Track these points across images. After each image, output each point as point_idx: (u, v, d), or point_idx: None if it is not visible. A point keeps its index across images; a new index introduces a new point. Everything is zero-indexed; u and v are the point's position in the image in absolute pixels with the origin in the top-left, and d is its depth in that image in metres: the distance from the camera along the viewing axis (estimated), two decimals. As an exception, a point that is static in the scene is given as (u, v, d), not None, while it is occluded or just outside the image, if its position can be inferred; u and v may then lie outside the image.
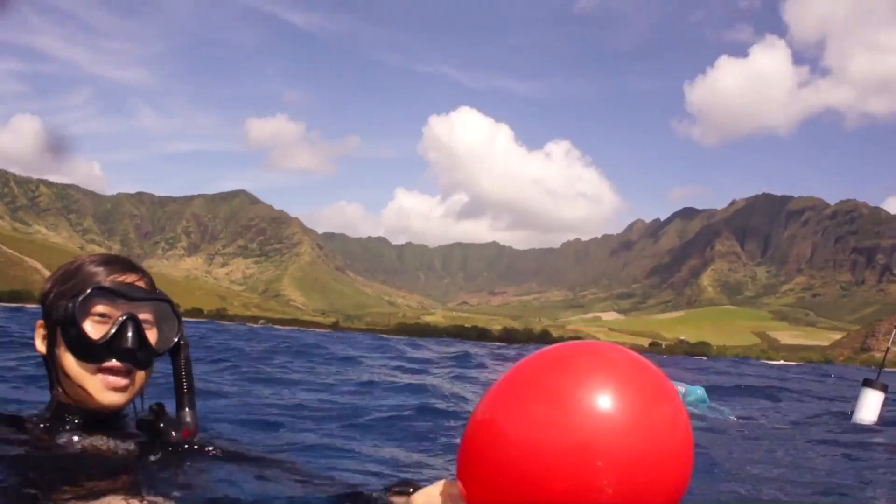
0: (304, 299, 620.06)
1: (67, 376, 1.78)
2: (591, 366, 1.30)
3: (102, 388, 1.76)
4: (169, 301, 1.93)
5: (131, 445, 1.78)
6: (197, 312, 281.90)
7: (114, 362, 1.76)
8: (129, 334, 1.76)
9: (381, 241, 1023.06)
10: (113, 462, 1.72)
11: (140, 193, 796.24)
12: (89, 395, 1.76)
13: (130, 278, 1.88)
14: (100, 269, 1.85)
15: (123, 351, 1.76)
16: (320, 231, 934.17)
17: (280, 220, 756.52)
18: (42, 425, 1.78)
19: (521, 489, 1.26)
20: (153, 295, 1.88)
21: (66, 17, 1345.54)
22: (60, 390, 1.81)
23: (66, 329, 1.77)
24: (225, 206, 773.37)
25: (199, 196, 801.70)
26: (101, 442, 1.77)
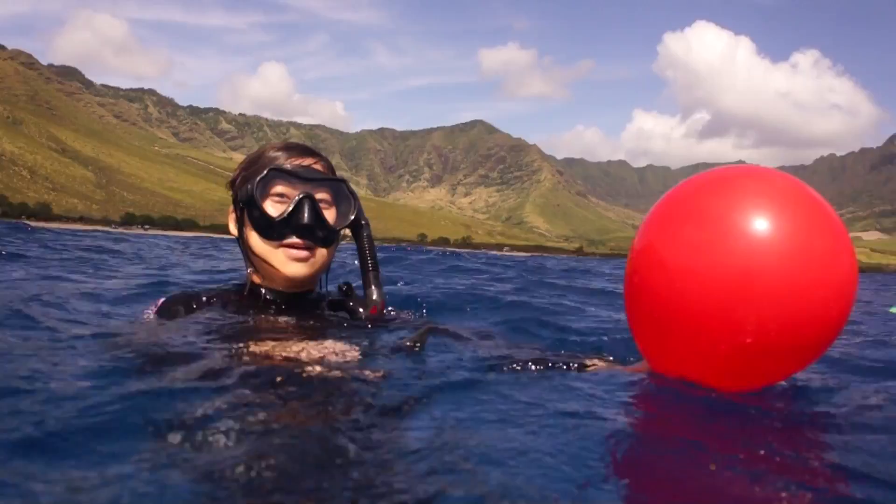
0: (547, 225, 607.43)
1: (254, 254, 2.00)
2: (748, 188, 1.31)
3: (285, 259, 1.96)
4: (344, 181, 2.07)
5: (322, 322, 1.94)
6: (443, 241, 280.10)
7: (294, 238, 1.95)
8: (306, 211, 1.93)
9: (622, 164, 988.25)
10: (307, 330, 1.85)
11: (382, 129, 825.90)
12: (274, 268, 1.97)
13: (308, 161, 2.06)
14: (279, 154, 2.05)
15: (301, 227, 1.94)
16: (559, 157, 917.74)
17: (518, 147, 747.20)
18: (239, 300, 2.02)
19: (679, 317, 1.32)
20: (328, 176, 2.04)
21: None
22: (251, 270, 2.05)
23: (250, 209, 1.99)
24: (464, 137, 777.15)
25: (437, 129, 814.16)
26: (294, 317, 1.96)
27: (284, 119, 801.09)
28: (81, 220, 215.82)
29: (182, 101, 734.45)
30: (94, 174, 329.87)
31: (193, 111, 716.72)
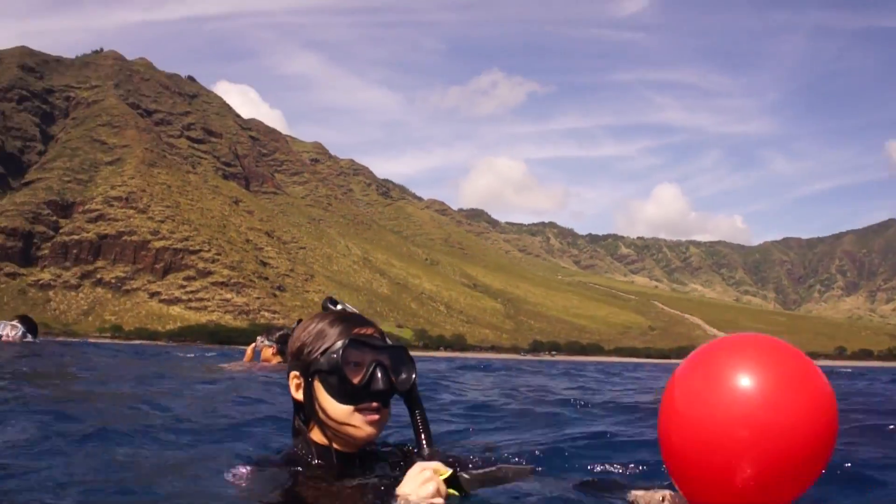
0: None
1: (330, 418, 2.22)
2: (741, 349, 1.73)
3: (363, 422, 2.19)
4: (403, 348, 2.35)
5: (389, 480, 2.10)
6: (865, 354, 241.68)
7: (370, 402, 2.21)
8: (380, 377, 2.21)
9: None
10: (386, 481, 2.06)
11: (786, 239, 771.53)
12: (352, 430, 2.21)
13: (369, 330, 2.32)
14: (345, 325, 2.30)
15: (377, 392, 2.21)
16: None
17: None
18: (314, 462, 2.23)
19: (689, 455, 1.73)
20: (392, 344, 2.33)
21: (684, 89, 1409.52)
22: (318, 432, 2.26)
23: (326, 377, 2.23)
24: (878, 239, 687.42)
25: (847, 232, 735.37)
26: (366, 477, 2.18)
27: (683, 238, 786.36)
28: (493, 349, 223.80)
29: (581, 230, 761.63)
30: (503, 305, 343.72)
31: (592, 239, 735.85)
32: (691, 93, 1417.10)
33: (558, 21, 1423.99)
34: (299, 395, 2.31)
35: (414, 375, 2.35)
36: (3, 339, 11.72)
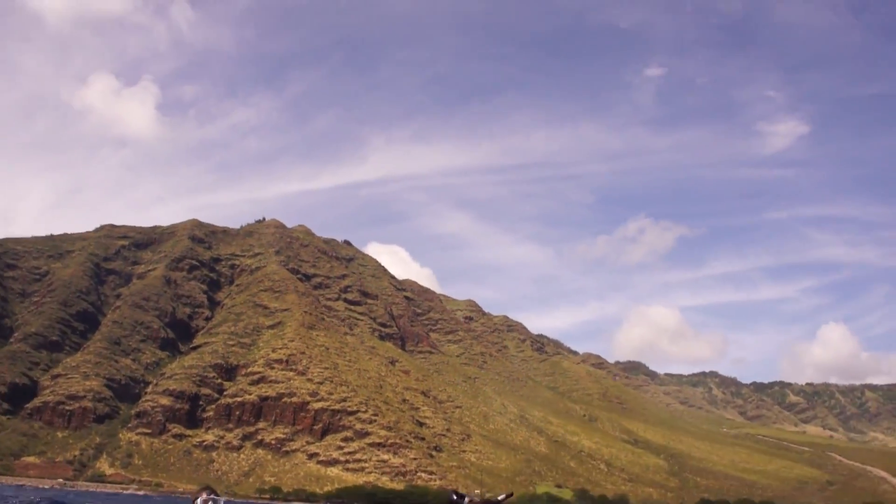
0: None
1: None
2: None
3: None
4: None
5: None
6: None
7: None
8: None
9: None
10: None
11: None
12: None
13: None
14: None
15: None
16: None
17: None
18: None
19: None
20: None
21: (844, 223, 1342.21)
22: None
23: None
24: None
25: None
26: None
27: (857, 382, 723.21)
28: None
29: (744, 379, 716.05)
30: (666, 462, 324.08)
31: (757, 387, 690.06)
32: (852, 226, 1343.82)
33: (703, 164, 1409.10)
34: None
35: None
36: None
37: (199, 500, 9.97)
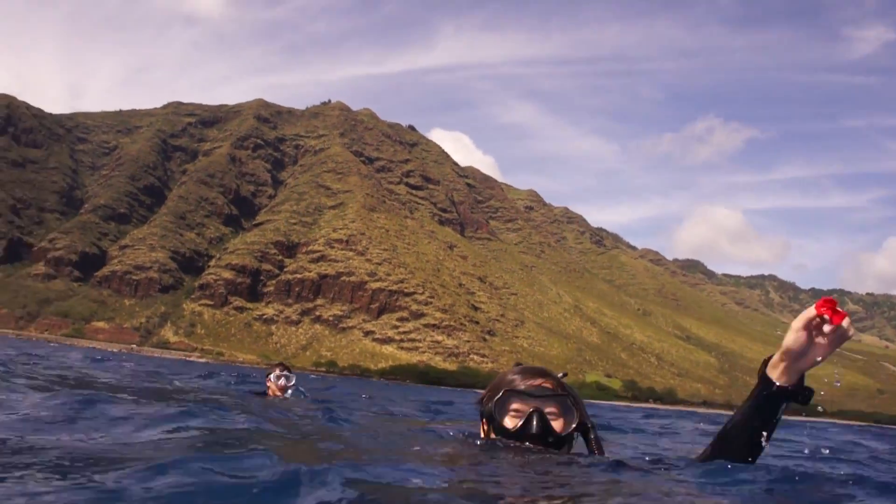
0: None
1: None
2: None
3: None
4: (568, 395, 2.58)
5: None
6: None
7: (528, 445, 2.48)
8: (534, 423, 2.46)
9: None
10: None
11: None
12: None
13: (539, 381, 2.59)
14: (516, 377, 2.62)
15: (531, 436, 2.48)
16: None
17: None
18: None
19: None
20: (555, 392, 2.55)
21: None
22: None
23: (491, 423, 2.60)
24: None
25: None
26: None
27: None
28: (704, 404, 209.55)
29: (803, 284, 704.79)
30: (717, 360, 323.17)
31: (816, 293, 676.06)
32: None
33: (780, 67, 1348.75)
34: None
35: (575, 422, 2.55)
36: (274, 393, 9.80)
37: (272, 375, 9.10)
